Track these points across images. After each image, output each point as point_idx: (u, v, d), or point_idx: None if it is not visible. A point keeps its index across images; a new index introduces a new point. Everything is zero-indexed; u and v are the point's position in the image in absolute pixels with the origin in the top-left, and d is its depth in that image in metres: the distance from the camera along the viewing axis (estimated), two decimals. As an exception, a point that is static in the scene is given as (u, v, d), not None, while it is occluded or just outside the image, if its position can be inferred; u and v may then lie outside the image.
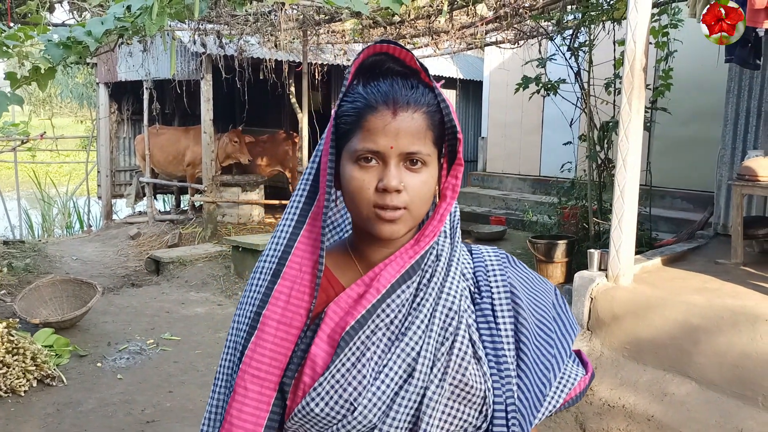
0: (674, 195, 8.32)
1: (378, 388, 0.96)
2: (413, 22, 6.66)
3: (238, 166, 10.12)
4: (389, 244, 1.02)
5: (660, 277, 4.99)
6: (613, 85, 6.69)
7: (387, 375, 0.96)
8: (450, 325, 1.00)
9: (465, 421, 1.00)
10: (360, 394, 0.96)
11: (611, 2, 6.45)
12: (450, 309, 1.00)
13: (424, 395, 0.97)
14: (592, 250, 4.93)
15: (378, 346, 0.98)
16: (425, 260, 1.02)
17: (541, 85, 7.11)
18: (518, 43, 8.33)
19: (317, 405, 0.96)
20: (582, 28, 7.00)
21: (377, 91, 0.98)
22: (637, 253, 5.71)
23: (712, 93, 6.68)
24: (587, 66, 6.98)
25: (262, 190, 10.26)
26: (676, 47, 6.75)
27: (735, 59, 4.13)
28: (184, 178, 10.16)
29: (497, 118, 11.14)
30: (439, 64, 11.23)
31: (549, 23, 7.38)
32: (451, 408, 0.99)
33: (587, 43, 6.99)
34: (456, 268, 1.04)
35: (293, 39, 7.74)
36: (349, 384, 0.96)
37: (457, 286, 1.02)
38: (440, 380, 0.98)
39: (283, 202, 9.72)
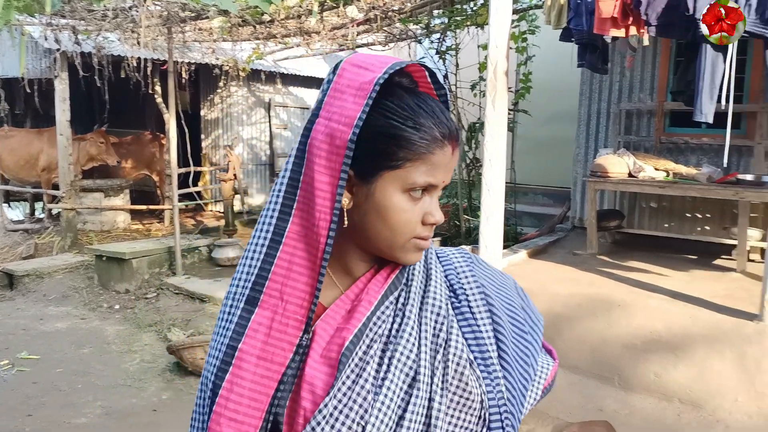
0: (537, 191, 8.81)
1: (383, 403, 0.92)
2: (284, 21, 6.58)
3: (100, 169, 9.50)
4: (372, 258, 0.99)
5: (526, 270, 5.28)
6: (478, 88, 6.98)
7: (389, 388, 0.93)
8: (441, 330, 0.98)
9: (468, 429, 0.98)
10: (366, 411, 0.91)
11: (475, 8, 6.73)
12: (438, 314, 0.98)
13: (431, 407, 0.94)
14: (463, 247, 5.12)
15: (374, 360, 0.94)
16: (406, 269, 1.00)
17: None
18: (388, 46, 8.49)
19: (323, 429, 0.90)
20: (448, 33, 7.26)
21: (438, 121, 0.92)
22: (505, 247, 6.01)
23: (568, 95, 7.16)
24: (454, 69, 7.25)
25: (127, 195, 9.71)
26: (535, 52, 7.18)
27: (586, 64, 4.45)
28: (38, 183, 9.38)
29: (371, 118, 11.26)
30: (311, 64, 11.19)
31: (417, 27, 7.58)
32: (456, 417, 0.96)
33: (454, 46, 7.26)
34: (435, 273, 1.03)
35: (157, 36, 7.38)
36: (354, 402, 0.91)
37: (441, 291, 1.01)
38: (443, 389, 0.95)
39: (152, 207, 9.25)
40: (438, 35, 7.39)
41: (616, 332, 4.22)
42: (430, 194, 0.94)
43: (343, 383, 0.92)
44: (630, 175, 5.32)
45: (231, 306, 0.92)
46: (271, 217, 0.90)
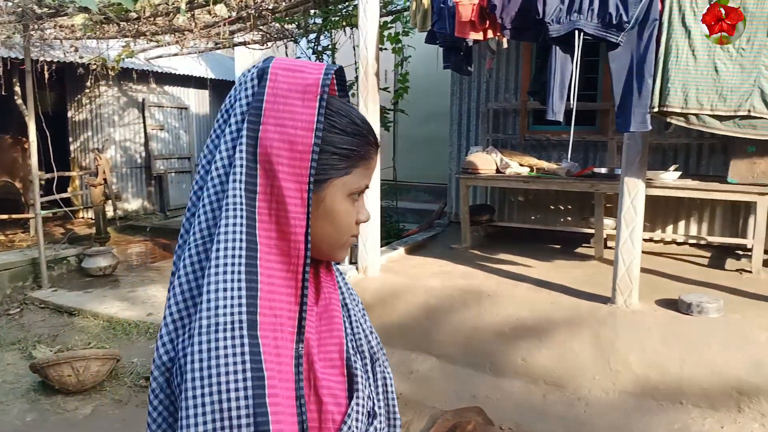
0: (418, 188, 9.04)
1: (372, 391, 0.97)
2: (151, 19, 6.32)
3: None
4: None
5: (404, 265, 5.42)
6: (355, 88, 7.06)
7: (371, 376, 0.99)
8: (367, 319, 1.07)
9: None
10: (371, 400, 0.96)
11: (349, 9, 6.79)
12: (358, 306, 1.06)
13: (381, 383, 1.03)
14: (342, 246, 5.17)
15: (359, 355, 0.99)
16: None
17: (289, 86, 7.24)
18: (266, 45, 8.38)
19: (358, 428, 0.92)
20: (325, 32, 7.28)
21: (368, 127, 0.94)
22: (387, 244, 6.13)
23: (444, 95, 7.40)
24: (331, 69, 7.28)
25: (-14, 204, 8.97)
26: (412, 53, 7.36)
27: (451, 66, 4.63)
28: None
29: (252, 118, 11.08)
30: (187, 63, 10.83)
31: (293, 26, 7.54)
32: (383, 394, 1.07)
33: (330, 46, 7.30)
34: (338, 274, 1.07)
35: (13, 33, 6.87)
36: (369, 396, 0.96)
37: (352, 289, 1.09)
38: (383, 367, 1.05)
39: (14, 216, 8.59)
40: (314, 35, 7.39)
41: (486, 321, 4.42)
42: (361, 198, 0.98)
43: (360, 383, 0.94)
44: (498, 171, 5.59)
45: (233, 338, 0.80)
46: (238, 230, 0.83)
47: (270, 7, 6.52)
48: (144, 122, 10.65)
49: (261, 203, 0.85)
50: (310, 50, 7.43)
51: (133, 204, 10.50)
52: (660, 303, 4.24)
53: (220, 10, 5.39)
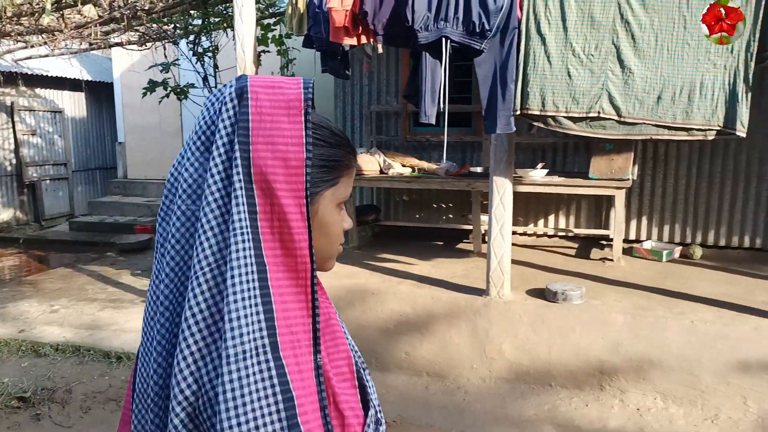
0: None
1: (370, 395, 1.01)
2: (15, 19, 5.96)
3: None
4: None
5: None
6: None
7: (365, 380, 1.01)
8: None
9: None
10: (374, 409, 0.98)
11: (229, 10, 6.71)
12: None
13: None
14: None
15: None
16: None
17: (170, 89, 7.06)
18: (146, 45, 8.10)
19: None
20: (205, 34, 7.14)
21: (346, 137, 0.96)
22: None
23: (327, 98, 7.46)
24: (213, 71, 7.17)
25: None
26: (296, 55, 7.37)
27: (329, 70, 4.69)
28: None
29: (134, 122, 10.68)
30: (60, 64, 10.25)
31: (171, 27, 7.34)
32: None
33: (212, 48, 7.17)
34: None
35: None
36: (377, 408, 0.99)
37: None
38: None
39: None
40: (194, 36, 7.23)
41: (371, 319, 4.54)
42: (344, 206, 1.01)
43: (372, 394, 0.98)
44: (381, 172, 5.73)
45: (259, 363, 0.81)
46: (249, 254, 0.83)
47: (146, 8, 6.32)
48: (13, 127, 9.97)
49: (263, 222, 0.84)
50: (191, 52, 7.26)
51: (3, 214, 9.81)
52: (530, 293, 4.52)
53: (89, 10, 5.16)
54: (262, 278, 0.83)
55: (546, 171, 5.50)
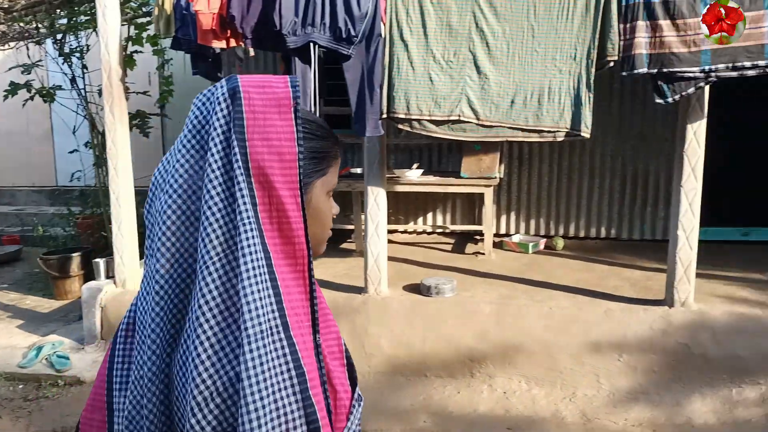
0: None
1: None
2: None
3: None
4: None
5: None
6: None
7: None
8: None
9: None
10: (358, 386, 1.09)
11: (95, 11, 6.44)
12: None
13: None
14: (97, 260, 4.93)
15: None
16: None
17: (34, 91, 6.68)
18: (8, 45, 7.59)
19: (361, 413, 1.05)
20: (72, 34, 6.81)
21: (330, 129, 1.05)
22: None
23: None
24: (82, 72, 6.85)
25: None
26: (174, 55, 7.18)
27: (200, 72, 4.64)
28: None
29: (-2, 126, 9.97)
30: None
31: (36, 26, 6.94)
32: None
33: (79, 48, 6.85)
34: None
35: None
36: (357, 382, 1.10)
37: None
38: None
39: None
40: (61, 36, 6.87)
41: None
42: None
43: (355, 373, 1.08)
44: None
45: (274, 342, 0.88)
46: (257, 242, 0.89)
47: (5, 6, 5.95)
48: None
49: (262, 213, 0.90)
50: (57, 52, 6.90)
51: None
52: (406, 288, 4.70)
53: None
54: (269, 264, 0.90)
55: (421, 171, 5.72)
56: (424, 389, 4.17)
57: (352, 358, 1.10)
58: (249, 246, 0.88)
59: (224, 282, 0.87)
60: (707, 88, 3.73)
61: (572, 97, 3.76)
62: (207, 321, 0.86)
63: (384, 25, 3.93)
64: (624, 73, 3.62)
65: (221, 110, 0.91)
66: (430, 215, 6.37)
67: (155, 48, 6.97)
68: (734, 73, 3.38)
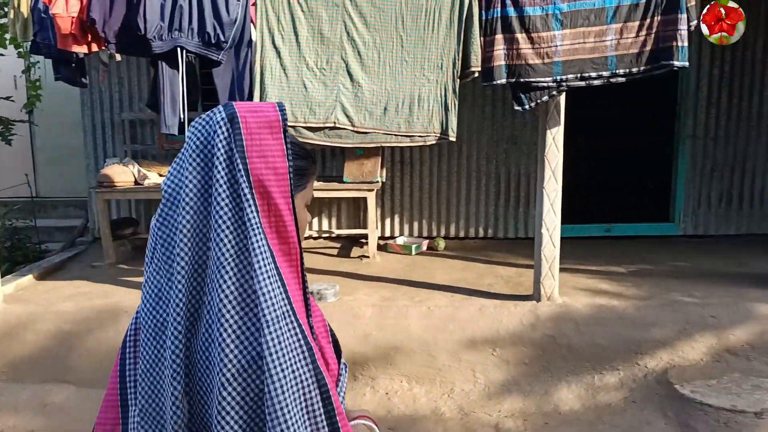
0: (67, 204, 8.35)
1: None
2: None
3: None
4: None
5: (35, 291, 5.00)
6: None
7: None
8: None
9: None
10: (343, 358, 1.34)
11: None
12: None
13: None
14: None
15: None
16: None
17: None
18: None
19: (344, 381, 1.31)
20: None
21: (308, 150, 1.28)
22: (11, 271, 5.57)
23: (73, 104, 6.98)
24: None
25: None
26: (40, 58, 6.76)
27: (62, 78, 4.40)
28: None
29: None
30: None
31: None
32: None
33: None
34: None
35: None
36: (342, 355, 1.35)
37: None
38: None
39: None
40: None
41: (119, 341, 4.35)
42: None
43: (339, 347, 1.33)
44: (137, 183, 5.51)
45: (287, 324, 1.07)
46: (264, 243, 1.07)
47: None
48: None
49: (263, 218, 1.07)
50: None
51: None
52: (288, 295, 4.68)
53: None
54: (274, 261, 1.08)
55: (303, 176, 5.71)
56: (308, 395, 4.17)
57: (336, 335, 1.32)
58: (259, 247, 1.06)
59: (239, 278, 1.05)
60: (563, 96, 3.99)
61: (440, 105, 3.91)
62: (228, 311, 1.04)
63: (255, 31, 3.90)
64: (484, 84, 3.81)
65: (222, 132, 1.07)
66: (315, 220, 6.39)
67: (19, 51, 6.55)
68: (582, 83, 3.65)
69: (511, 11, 3.66)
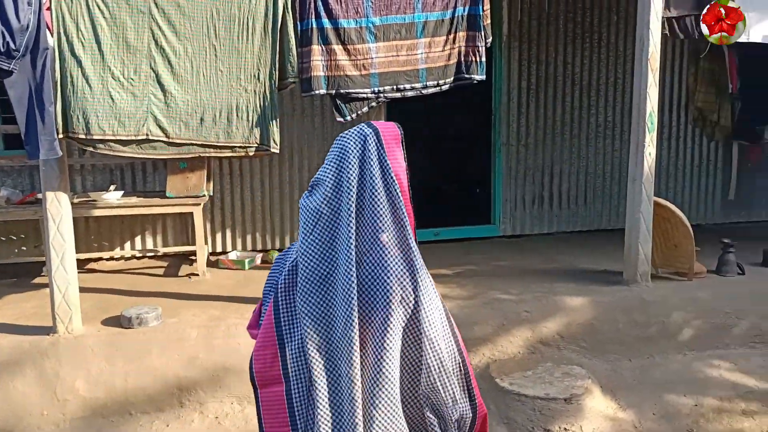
0: None
1: None
2: None
3: None
4: None
5: None
6: None
7: None
8: None
9: None
10: None
11: None
12: None
13: None
14: None
15: None
16: None
17: None
18: None
19: None
20: None
21: None
22: None
23: None
24: None
25: None
26: None
27: None
28: None
29: None
30: None
31: None
32: None
33: None
34: None
35: None
36: None
37: None
38: None
39: None
40: None
41: None
42: None
43: None
44: None
45: (426, 273, 1.76)
46: (405, 217, 1.72)
47: None
48: None
49: (403, 197, 1.69)
50: None
51: None
52: (106, 322, 4.34)
53: None
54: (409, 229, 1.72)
55: (122, 192, 5.35)
56: (129, 428, 3.89)
57: None
58: (404, 220, 1.66)
59: (395, 230, 1.67)
60: (384, 106, 4.09)
61: (259, 115, 3.83)
62: (392, 282, 1.65)
63: (52, 38, 3.58)
64: (303, 94, 3.80)
65: (373, 142, 1.66)
66: (138, 238, 5.99)
67: None
68: (398, 94, 3.76)
69: (326, 23, 3.68)
